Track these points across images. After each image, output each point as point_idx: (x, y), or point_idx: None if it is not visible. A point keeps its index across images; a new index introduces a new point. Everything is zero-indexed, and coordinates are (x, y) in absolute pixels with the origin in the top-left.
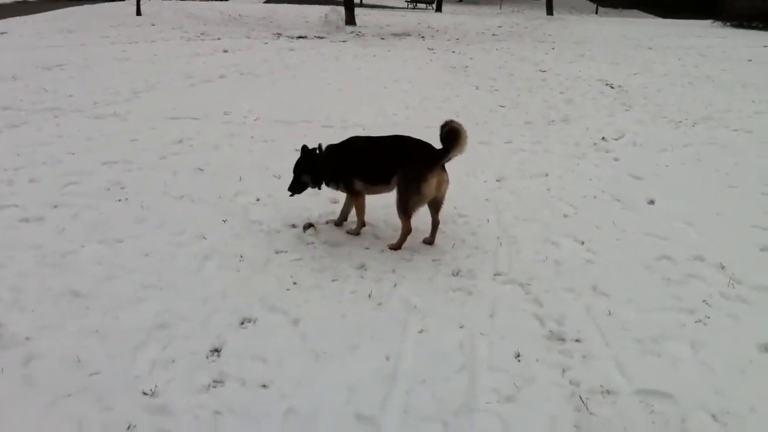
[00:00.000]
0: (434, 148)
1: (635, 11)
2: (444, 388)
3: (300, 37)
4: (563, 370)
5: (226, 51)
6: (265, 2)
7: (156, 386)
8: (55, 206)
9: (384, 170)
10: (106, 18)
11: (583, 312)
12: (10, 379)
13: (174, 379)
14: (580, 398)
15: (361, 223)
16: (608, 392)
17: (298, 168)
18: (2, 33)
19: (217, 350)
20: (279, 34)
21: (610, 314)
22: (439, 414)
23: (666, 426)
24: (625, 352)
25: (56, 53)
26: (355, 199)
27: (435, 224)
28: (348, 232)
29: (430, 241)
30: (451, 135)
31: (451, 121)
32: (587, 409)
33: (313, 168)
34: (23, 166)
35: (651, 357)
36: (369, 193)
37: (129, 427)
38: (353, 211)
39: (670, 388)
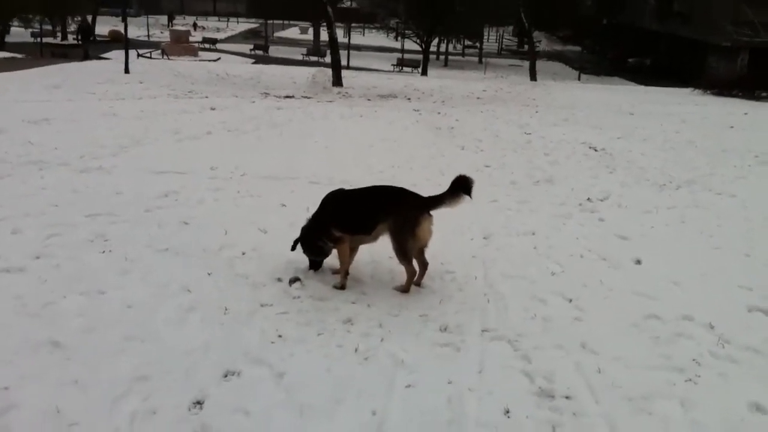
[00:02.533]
0: (423, 197)
1: (616, 78)
2: None
3: (287, 97)
4: (553, 428)
5: (213, 108)
6: (253, 63)
7: None
8: (38, 257)
9: (366, 220)
10: (94, 75)
11: (572, 369)
12: None
13: (154, 431)
14: None
15: (345, 273)
16: None
17: (303, 249)
18: None
19: (199, 403)
20: (266, 94)
21: (599, 372)
22: None
23: None
24: (616, 411)
25: (43, 108)
26: (338, 246)
27: (423, 265)
28: (334, 287)
29: (417, 283)
30: (462, 182)
31: (465, 175)
32: None
33: (308, 240)
34: (6, 217)
35: (642, 416)
36: (350, 244)
37: None
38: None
39: None
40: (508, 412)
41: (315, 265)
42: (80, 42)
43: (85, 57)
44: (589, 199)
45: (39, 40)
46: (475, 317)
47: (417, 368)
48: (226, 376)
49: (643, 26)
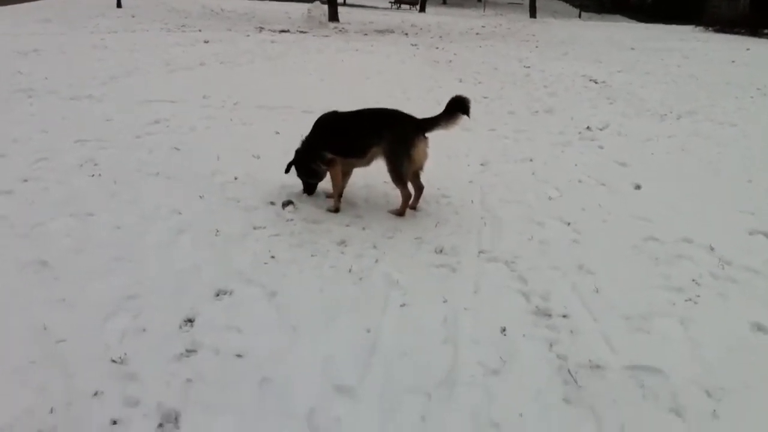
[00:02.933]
0: (417, 118)
1: (618, 17)
2: (426, 360)
3: (282, 31)
4: (550, 345)
5: (206, 42)
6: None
7: (125, 354)
8: (25, 180)
9: (359, 143)
10: (86, 9)
11: (569, 289)
12: None
13: (144, 347)
14: (569, 371)
15: (338, 196)
16: (597, 367)
17: (297, 172)
18: None
19: (190, 320)
20: (261, 28)
21: (597, 291)
22: (421, 386)
23: (657, 400)
24: (614, 329)
25: (33, 40)
26: (331, 168)
27: (419, 188)
28: (328, 210)
29: (413, 206)
30: (459, 102)
31: (461, 95)
32: (576, 382)
33: (301, 163)
34: None
35: (640, 334)
36: (342, 167)
37: (95, 394)
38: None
39: (661, 364)
40: (504, 330)
41: (309, 188)
42: None
43: None
44: (588, 127)
45: None
46: (471, 240)
47: (411, 289)
48: (217, 295)
49: None
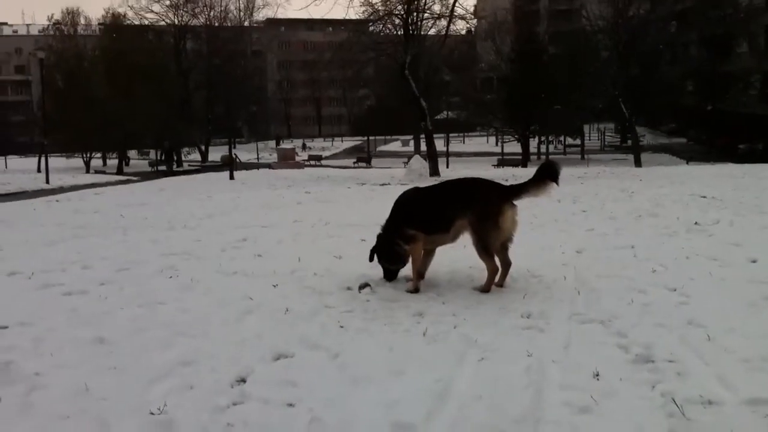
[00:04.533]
0: (504, 185)
1: (727, 164)
2: (504, 403)
3: (383, 184)
4: (652, 386)
5: (308, 192)
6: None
7: (165, 405)
8: (102, 284)
9: (442, 215)
10: (200, 183)
11: (675, 340)
12: (7, 406)
13: (188, 401)
14: (674, 402)
15: (418, 275)
16: (710, 402)
17: (378, 257)
18: (96, 194)
19: (242, 380)
20: (363, 183)
21: (709, 339)
22: (497, 424)
23: None
24: (730, 369)
25: (142, 198)
26: (411, 247)
27: (506, 264)
28: (407, 291)
29: (500, 284)
30: (548, 168)
31: (551, 160)
32: (683, 414)
33: (383, 245)
34: (79, 260)
35: (761, 373)
36: (425, 245)
37: None
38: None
39: None
40: (597, 375)
41: (390, 274)
42: (166, 166)
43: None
44: (696, 223)
45: (155, 168)
46: (563, 306)
47: (492, 347)
48: (277, 359)
49: (751, 111)
